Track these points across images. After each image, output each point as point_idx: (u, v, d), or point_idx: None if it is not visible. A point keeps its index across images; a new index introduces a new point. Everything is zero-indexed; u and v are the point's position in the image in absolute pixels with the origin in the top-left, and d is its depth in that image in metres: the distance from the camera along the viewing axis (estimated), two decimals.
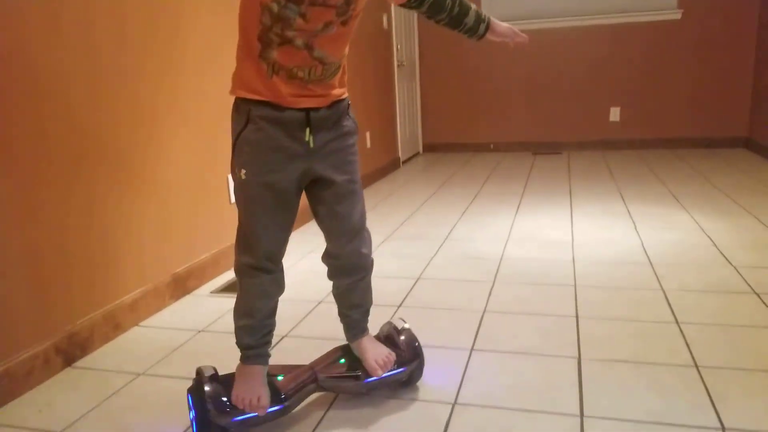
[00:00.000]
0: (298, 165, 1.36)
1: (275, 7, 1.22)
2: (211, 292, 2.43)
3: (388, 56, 5.19)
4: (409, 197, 4.14)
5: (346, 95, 1.43)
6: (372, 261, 1.58)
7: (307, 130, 1.34)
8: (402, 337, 1.61)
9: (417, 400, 1.57)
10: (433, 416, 1.49)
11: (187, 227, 2.44)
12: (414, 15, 5.89)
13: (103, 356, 1.90)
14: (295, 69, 1.30)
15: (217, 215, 2.63)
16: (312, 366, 1.53)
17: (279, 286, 1.47)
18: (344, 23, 1.31)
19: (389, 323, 1.67)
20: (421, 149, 6.27)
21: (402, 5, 1.49)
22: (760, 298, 2.11)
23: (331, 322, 2.05)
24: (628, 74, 5.53)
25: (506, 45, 1.64)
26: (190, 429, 1.46)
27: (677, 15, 5.33)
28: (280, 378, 1.48)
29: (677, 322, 1.95)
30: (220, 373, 1.47)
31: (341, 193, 1.43)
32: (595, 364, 1.71)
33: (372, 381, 1.53)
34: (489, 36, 1.58)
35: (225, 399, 1.40)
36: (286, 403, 1.43)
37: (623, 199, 3.72)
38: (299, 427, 1.48)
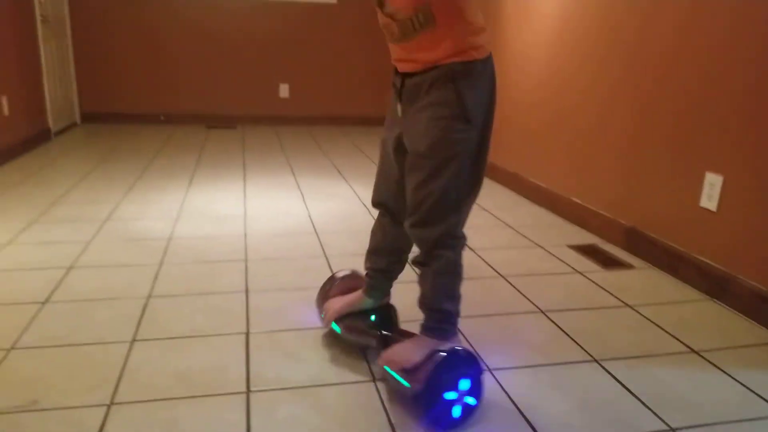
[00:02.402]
0: (395, 129, 1.40)
1: None
2: None
3: (29, 8, 4.39)
4: (63, 174, 3.61)
5: (453, 59, 1.25)
6: (450, 260, 1.38)
7: (398, 100, 1.36)
8: (429, 366, 1.33)
9: (62, 408, 1.35)
10: (82, 424, 1.30)
11: None
12: None
13: None
14: (385, 30, 1.32)
15: None
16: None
17: (385, 232, 1.56)
18: None
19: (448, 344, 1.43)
20: (78, 119, 5.54)
21: None
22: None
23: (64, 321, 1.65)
24: (296, 53, 5.76)
25: None
26: None
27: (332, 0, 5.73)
28: (373, 318, 1.62)
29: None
30: None
31: (409, 164, 1.36)
32: (262, 337, 1.72)
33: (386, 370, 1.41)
34: None
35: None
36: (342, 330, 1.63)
37: (293, 173, 3.87)
38: None
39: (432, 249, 1.38)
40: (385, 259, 1.58)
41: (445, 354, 1.33)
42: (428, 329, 1.42)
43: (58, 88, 5.00)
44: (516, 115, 3.52)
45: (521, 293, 2.08)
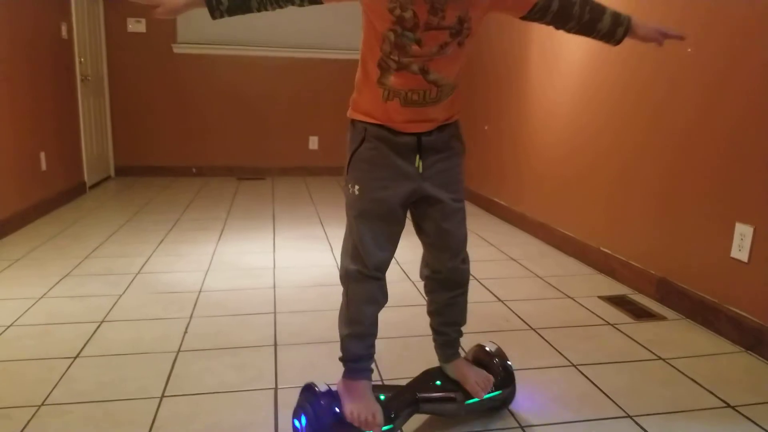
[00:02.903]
0: (408, 184, 1.40)
1: (392, 36, 1.28)
2: None
3: (70, 69, 4.61)
4: (97, 226, 3.70)
5: (456, 117, 1.44)
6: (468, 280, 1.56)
7: (417, 156, 1.38)
8: (495, 360, 1.61)
9: None
10: None
11: None
12: (101, 27, 5.38)
13: None
14: (410, 93, 1.33)
15: None
16: (411, 386, 1.51)
17: (384, 295, 1.47)
18: (460, 44, 1.31)
19: (478, 345, 1.68)
20: (113, 173, 5.72)
21: (523, 18, 1.39)
22: None
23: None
24: (324, 106, 5.90)
25: (656, 44, 1.50)
26: None
27: (357, 55, 5.88)
28: (382, 397, 1.44)
29: None
30: None
31: (448, 210, 1.45)
32: (291, 393, 1.71)
33: (472, 403, 1.52)
34: (633, 38, 1.46)
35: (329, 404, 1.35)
36: (396, 422, 1.40)
37: (321, 223, 3.91)
38: None
39: (466, 275, 1.56)
40: (377, 323, 1.49)
41: (494, 349, 1.65)
42: (459, 349, 1.61)
43: (94, 143, 5.19)
44: (542, 167, 3.53)
45: (552, 346, 2.05)
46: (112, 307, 2.35)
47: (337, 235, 3.60)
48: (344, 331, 1.47)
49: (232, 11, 1.30)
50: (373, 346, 1.49)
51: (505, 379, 1.59)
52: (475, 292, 2.58)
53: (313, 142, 6.02)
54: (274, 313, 2.32)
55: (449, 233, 1.47)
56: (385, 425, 1.39)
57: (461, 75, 1.39)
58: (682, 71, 2.35)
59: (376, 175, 1.39)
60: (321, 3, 1.36)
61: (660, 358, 1.96)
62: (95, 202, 4.51)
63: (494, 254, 3.22)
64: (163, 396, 1.68)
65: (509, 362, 1.63)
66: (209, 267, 2.91)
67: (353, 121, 1.44)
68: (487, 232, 3.70)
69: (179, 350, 1.98)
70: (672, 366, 1.90)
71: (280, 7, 1.33)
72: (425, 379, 1.58)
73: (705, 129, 2.23)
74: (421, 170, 1.40)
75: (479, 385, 1.52)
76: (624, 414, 1.61)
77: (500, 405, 1.61)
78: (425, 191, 1.42)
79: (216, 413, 1.60)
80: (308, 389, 1.44)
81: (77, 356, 1.92)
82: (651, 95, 2.53)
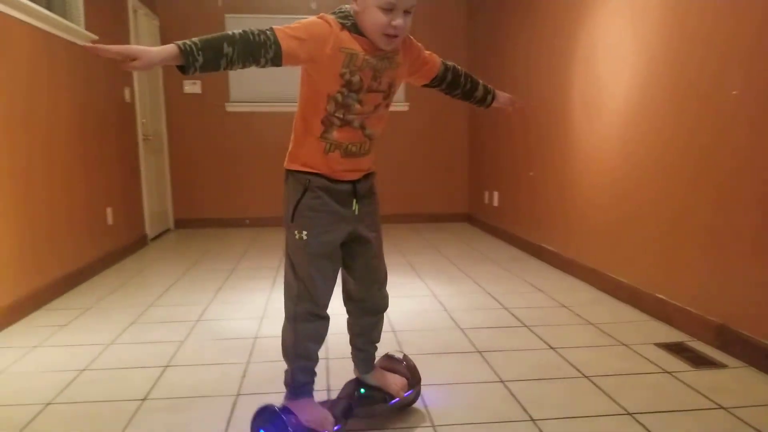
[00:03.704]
0: (345, 227, 1.63)
1: (339, 97, 1.51)
2: None
3: (132, 130, 4.93)
4: (158, 277, 3.88)
5: (374, 167, 1.72)
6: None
7: (354, 200, 1.63)
8: (403, 364, 1.92)
9: None
10: None
11: None
12: (160, 90, 5.75)
13: None
14: (350, 145, 1.57)
15: None
16: (343, 397, 1.82)
17: (325, 330, 1.71)
18: (387, 105, 1.62)
19: (387, 355, 1.97)
20: (172, 225, 5.98)
21: (425, 86, 1.80)
22: (482, 356, 2.41)
23: (64, 427, 1.80)
24: None
25: (505, 111, 1.98)
26: None
27: (405, 107, 6.10)
28: (333, 405, 1.75)
29: None
30: None
31: (375, 248, 1.74)
32: None
33: (395, 402, 1.83)
34: (494, 104, 1.91)
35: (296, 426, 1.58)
36: (342, 422, 1.71)
37: None
38: None
39: (387, 301, 1.85)
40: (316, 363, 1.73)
41: (400, 356, 1.97)
42: (374, 358, 1.88)
43: (155, 197, 5.47)
44: (591, 212, 3.53)
45: (606, 394, 2.03)
46: (175, 353, 2.46)
47: (391, 281, 3.65)
48: (292, 364, 1.70)
49: (204, 68, 1.36)
50: (314, 375, 1.73)
51: (413, 379, 1.91)
52: (524, 339, 2.59)
53: None
54: (327, 359, 2.38)
55: (377, 268, 1.78)
56: (335, 426, 1.69)
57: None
58: (728, 112, 2.36)
59: (321, 221, 1.60)
60: (280, 65, 1.46)
61: (721, 407, 1.91)
62: (157, 254, 4.72)
63: (544, 301, 3.21)
64: None
65: (413, 364, 1.94)
66: (264, 314, 3.01)
67: (292, 172, 1.63)
68: (537, 279, 3.69)
69: (238, 393, 2.06)
70: (734, 415, 1.86)
71: (245, 66, 1.42)
72: (351, 389, 1.86)
73: (755, 168, 2.22)
74: (357, 213, 1.65)
75: (398, 386, 1.84)
76: None
77: (413, 401, 1.91)
78: (359, 232, 1.67)
79: None
80: (265, 409, 1.65)
81: (145, 398, 2.02)
82: (699, 136, 2.54)
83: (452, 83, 1.80)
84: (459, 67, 1.82)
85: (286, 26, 1.44)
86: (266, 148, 5.95)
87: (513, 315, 2.96)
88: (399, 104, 6.05)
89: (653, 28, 2.86)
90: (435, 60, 1.75)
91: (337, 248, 1.65)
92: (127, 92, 4.79)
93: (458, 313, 3.00)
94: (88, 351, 2.49)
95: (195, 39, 1.35)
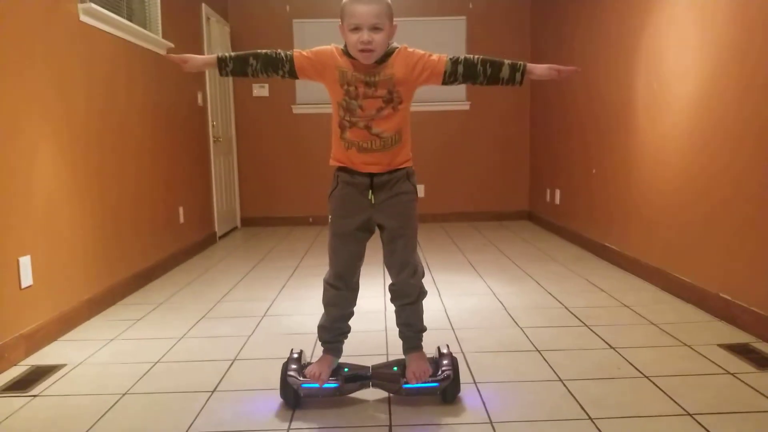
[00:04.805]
0: (363, 215, 1.95)
1: (344, 103, 1.87)
2: None
3: (204, 132, 5.17)
4: (226, 274, 4.07)
5: (406, 164, 1.95)
6: (421, 291, 2.03)
7: (370, 191, 1.92)
8: (444, 361, 2.01)
9: None
10: None
11: None
12: (230, 93, 5.98)
13: None
14: (362, 143, 1.89)
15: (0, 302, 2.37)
16: (372, 366, 2.04)
17: (346, 301, 2.04)
18: (394, 108, 1.88)
19: (438, 347, 2.11)
20: (239, 223, 6.23)
21: (442, 83, 1.91)
22: (542, 355, 2.42)
23: (140, 415, 1.95)
24: (431, 155, 6.11)
25: (555, 79, 1.91)
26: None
27: (466, 106, 6.10)
28: (345, 369, 2.01)
29: (475, 382, 2.17)
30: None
31: (392, 235, 1.97)
32: (405, 430, 1.82)
33: (408, 387, 1.97)
34: (532, 77, 1.88)
35: (298, 369, 1.98)
36: (340, 384, 1.96)
37: (429, 269, 4.04)
38: None
39: (420, 288, 2.02)
40: (346, 323, 2.07)
41: (446, 352, 2.06)
42: (417, 347, 2.04)
43: (224, 197, 5.71)
44: (654, 212, 3.45)
45: (667, 395, 2.01)
46: (243, 347, 2.60)
47: (444, 279, 3.70)
48: (319, 322, 2.08)
49: (234, 73, 1.91)
50: (339, 335, 2.06)
51: (444, 376, 1.97)
52: (584, 339, 2.58)
53: (420, 190, 6.22)
54: (387, 355, 2.45)
55: (393, 253, 1.99)
56: (329, 384, 1.96)
57: (406, 131, 1.93)
58: None
59: (341, 207, 1.97)
60: (297, 78, 1.90)
61: None
62: (224, 251, 4.94)
63: (605, 300, 3.17)
64: (289, 429, 1.85)
65: (450, 364, 1.99)
66: None
67: (334, 168, 2.00)
68: (597, 278, 3.64)
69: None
70: None
71: (268, 76, 1.91)
72: (389, 363, 2.07)
73: None
74: (373, 202, 1.93)
75: (415, 374, 1.96)
76: None
77: (444, 397, 1.99)
78: (376, 220, 1.96)
79: None
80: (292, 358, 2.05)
81: (215, 390, 2.16)
82: None
83: (468, 74, 1.87)
84: (473, 57, 1.87)
85: (303, 50, 1.90)
86: (328, 149, 6.08)
87: (573, 314, 2.94)
88: (460, 103, 6.06)
89: (721, 27, 2.78)
90: (440, 59, 1.87)
91: (352, 231, 1.96)
92: (200, 96, 5.03)
93: (518, 312, 3.01)
94: (161, 344, 2.66)
95: (233, 53, 1.91)
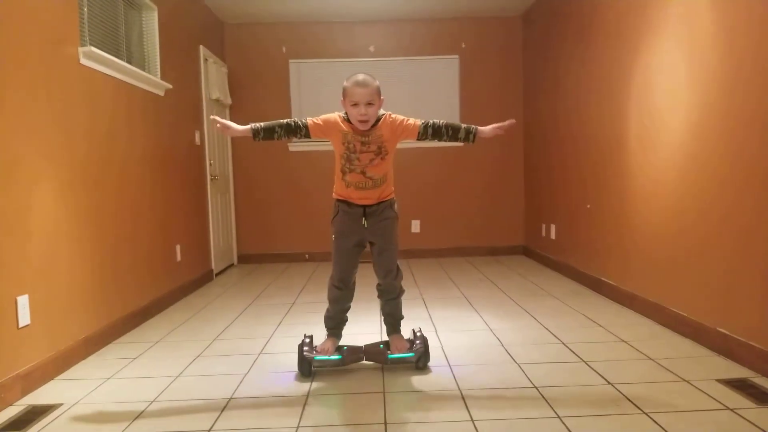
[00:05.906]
0: (356, 236, 2.64)
1: (345, 155, 2.54)
2: None
3: (201, 170, 5.21)
4: (223, 311, 4.06)
5: (389, 197, 2.65)
6: (401, 290, 2.80)
7: (363, 218, 2.60)
8: (417, 341, 2.76)
9: None
10: None
11: None
12: None
13: None
14: (358, 183, 2.56)
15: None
16: (364, 345, 2.77)
17: (345, 298, 2.77)
18: (382, 158, 2.55)
19: (413, 330, 2.86)
20: (235, 260, 6.23)
21: (417, 139, 2.59)
22: (539, 391, 2.41)
23: None
24: (425, 191, 6.17)
25: (500, 135, 2.57)
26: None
27: (461, 143, 6.15)
28: (345, 347, 2.74)
29: (472, 420, 2.15)
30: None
31: (380, 249, 2.68)
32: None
33: (392, 357, 2.68)
34: (482, 136, 2.56)
35: (311, 347, 2.72)
36: (343, 356, 2.68)
37: (425, 305, 4.03)
38: None
39: (399, 288, 2.77)
40: (345, 314, 2.80)
41: (420, 333, 2.82)
42: (397, 330, 2.80)
43: (221, 234, 5.72)
44: (649, 246, 3.48)
45: (666, 431, 1.99)
46: (239, 385, 2.58)
47: (440, 315, 3.70)
48: (325, 315, 2.82)
49: (264, 139, 2.56)
50: (340, 324, 2.80)
51: (416, 349, 2.70)
52: (582, 375, 2.57)
53: (416, 226, 6.25)
54: (383, 392, 2.44)
55: (381, 262, 2.70)
56: (335, 356, 2.67)
57: (390, 173, 2.62)
58: None
59: (340, 230, 2.67)
60: (311, 138, 2.61)
61: None
62: (221, 288, 4.93)
63: (602, 335, 3.17)
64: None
65: (422, 342, 2.73)
66: None
67: (335, 200, 2.67)
68: (594, 313, 3.64)
69: (298, 426, 2.14)
70: None
71: (290, 139, 2.77)
72: (376, 343, 2.81)
73: None
74: (366, 226, 2.61)
75: (397, 348, 2.70)
76: None
77: (418, 365, 2.69)
78: (368, 238, 2.65)
79: None
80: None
81: (211, 429, 2.14)
82: (759, 170, 2.50)
83: (435, 135, 2.56)
84: (440, 122, 2.56)
85: (315, 118, 2.57)
86: (325, 186, 6.12)
87: (570, 350, 2.94)
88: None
89: (711, 60, 2.85)
90: (415, 124, 2.55)
91: (350, 247, 2.66)
92: (197, 135, 5.09)
93: (515, 348, 3.00)
94: (157, 383, 2.64)
95: (262, 124, 2.55)
